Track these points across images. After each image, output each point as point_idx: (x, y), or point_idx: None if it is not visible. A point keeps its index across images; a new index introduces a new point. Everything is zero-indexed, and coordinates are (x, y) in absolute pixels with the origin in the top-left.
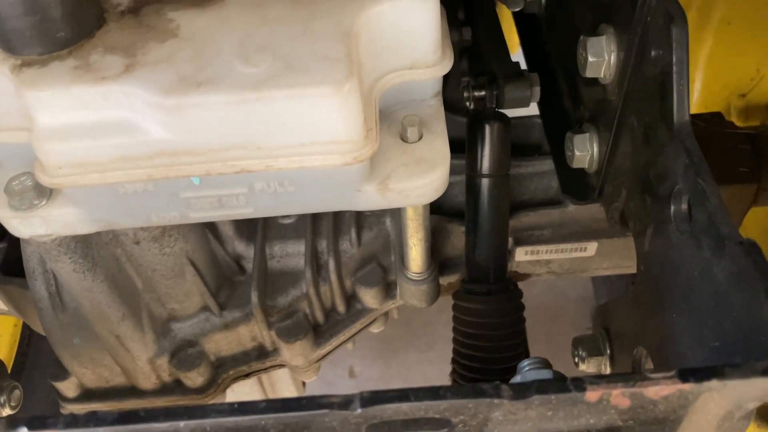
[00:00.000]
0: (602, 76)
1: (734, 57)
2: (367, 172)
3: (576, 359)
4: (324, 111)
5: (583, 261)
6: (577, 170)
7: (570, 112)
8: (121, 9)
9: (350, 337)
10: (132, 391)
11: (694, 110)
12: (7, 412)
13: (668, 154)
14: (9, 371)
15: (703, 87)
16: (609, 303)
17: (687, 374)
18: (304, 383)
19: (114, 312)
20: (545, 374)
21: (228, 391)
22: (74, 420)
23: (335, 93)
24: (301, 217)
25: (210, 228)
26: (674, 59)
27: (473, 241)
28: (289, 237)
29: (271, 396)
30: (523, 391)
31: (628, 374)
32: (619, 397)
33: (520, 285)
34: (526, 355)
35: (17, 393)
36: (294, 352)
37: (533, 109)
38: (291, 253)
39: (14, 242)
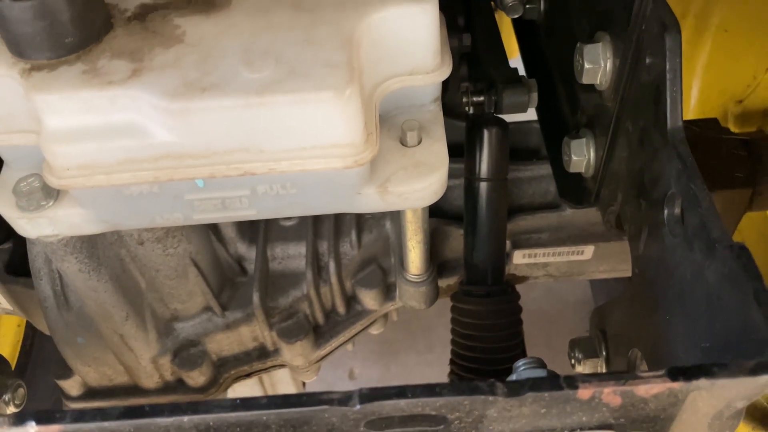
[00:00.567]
0: (598, 82)
1: (731, 63)
2: (367, 176)
3: (572, 361)
4: (325, 115)
5: (580, 264)
6: (574, 175)
7: (567, 118)
8: (128, 15)
9: (350, 338)
10: (135, 389)
11: (691, 116)
12: (11, 410)
13: (662, 159)
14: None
15: (701, 93)
16: (605, 305)
17: (676, 373)
18: (304, 384)
19: (118, 311)
20: (540, 373)
21: (229, 390)
22: (81, 415)
23: (336, 98)
24: (303, 219)
25: (213, 229)
26: (668, 66)
27: (472, 244)
28: (291, 239)
29: None
30: (516, 389)
31: (619, 373)
32: (611, 395)
33: (519, 288)
34: (523, 356)
35: (21, 391)
36: (294, 353)
37: (531, 115)
38: (292, 255)
39: (19, 242)
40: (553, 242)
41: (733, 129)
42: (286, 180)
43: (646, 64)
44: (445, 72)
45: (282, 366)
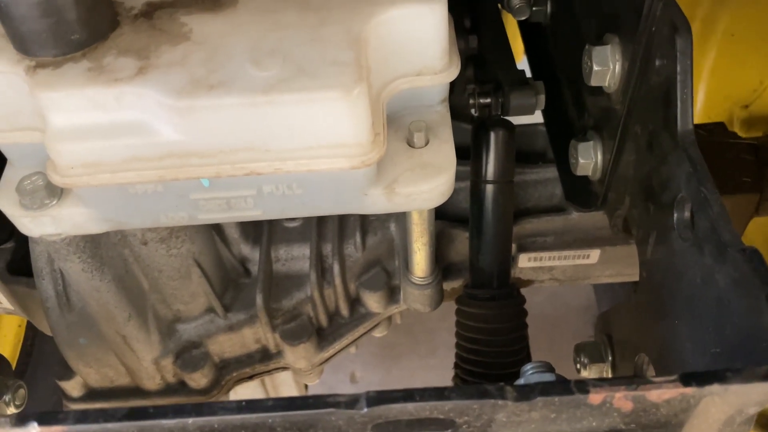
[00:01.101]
0: (607, 84)
1: (737, 68)
2: (374, 176)
3: (578, 366)
4: (333, 115)
5: (585, 268)
6: (580, 178)
7: (574, 120)
8: (135, 13)
9: (353, 341)
10: (136, 391)
11: (697, 120)
12: (12, 410)
13: (671, 162)
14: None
15: (707, 98)
16: (611, 310)
17: (689, 378)
18: (306, 386)
19: (120, 312)
20: (548, 377)
21: (231, 393)
22: (84, 416)
23: (344, 97)
24: (307, 221)
25: (216, 230)
26: (678, 68)
27: (477, 247)
28: (295, 240)
29: None
30: (526, 393)
31: (631, 377)
32: (622, 399)
33: (523, 292)
34: (528, 361)
35: (22, 392)
36: (297, 355)
37: (537, 117)
38: (296, 257)
39: (21, 242)
40: (558, 246)
41: (740, 134)
42: (292, 180)
43: (655, 66)
44: (453, 73)
45: (285, 368)
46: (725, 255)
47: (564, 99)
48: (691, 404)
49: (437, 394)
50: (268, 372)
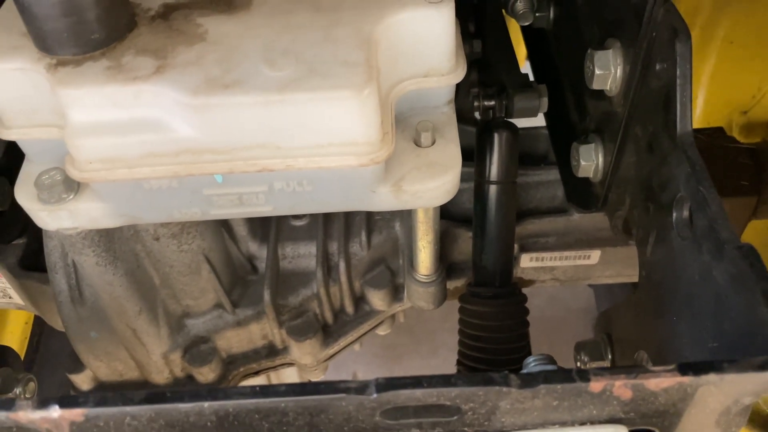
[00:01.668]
0: (608, 88)
1: (736, 75)
2: (382, 174)
3: (578, 364)
4: (343, 113)
5: (586, 269)
6: (582, 179)
7: (576, 123)
8: (152, 14)
9: (358, 338)
10: (145, 385)
11: (696, 125)
12: None
13: (671, 163)
14: None
15: (706, 103)
16: (611, 309)
17: (686, 368)
18: None
19: (132, 306)
20: (551, 368)
21: None
22: (103, 399)
23: (355, 96)
24: (313, 220)
25: (225, 228)
26: (678, 72)
27: (480, 246)
28: (301, 238)
29: None
30: (530, 381)
31: (630, 366)
32: (622, 388)
33: (525, 293)
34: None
35: (32, 385)
36: (303, 351)
37: (540, 121)
38: (302, 254)
39: (33, 238)
40: (560, 246)
41: (739, 139)
42: (303, 177)
43: (656, 70)
44: (460, 75)
45: (290, 364)
46: (723, 252)
47: (566, 102)
48: (688, 393)
49: (444, 380)
50: (274, 368)
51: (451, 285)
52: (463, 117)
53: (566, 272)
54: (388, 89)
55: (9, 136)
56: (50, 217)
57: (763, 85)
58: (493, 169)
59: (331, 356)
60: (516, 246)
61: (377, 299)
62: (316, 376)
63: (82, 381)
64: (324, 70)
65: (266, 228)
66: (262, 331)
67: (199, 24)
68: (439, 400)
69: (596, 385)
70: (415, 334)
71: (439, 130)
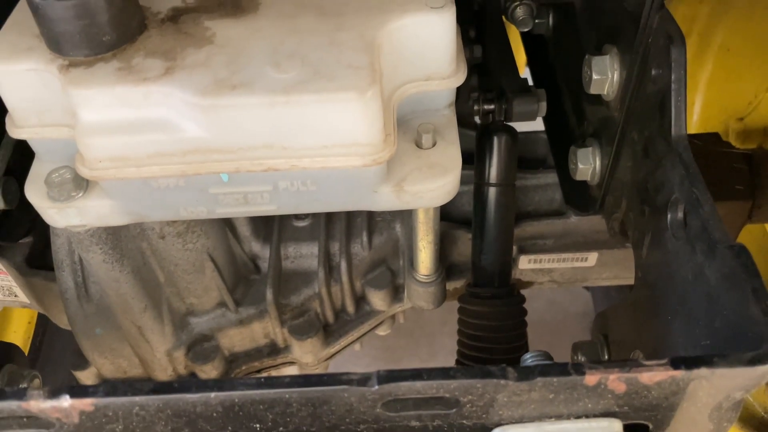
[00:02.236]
0: (605, 93)
1: (733, 82)
2: (384, 175)
3: None
4: (347, 115)
5: (583, 271)
6: (579, 183)
7: (574, 127)
8: (161, 17)
9: (358, 338)
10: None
11: (693, 131)
12: None
13: (666, 166)
14: None
15: (703, 110)
16: (608, 310)
17: (678, 362)
18: None
19: (137, 303)
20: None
21: None
22: (113, 389)
23: (358, 98)
24: (315, 220)
25: (229, 227)
26: (673, 77)
27: (479, 247)
28: (303, 239)
29: None
30: (527, 373)
31: (624, 361)
32: (616, 381)
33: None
34: None
35: (37, 382)
36: (305, 350)
37: (539, 125)
38: (305, 255)
39: (39, 237)
40: (558, 248)
41: (734, 145)
42: (307, 177)
43: (652, 75)
44: (460, 78)
45: (291, 363)
46: (715, 251)
47: (564, 107)
48: (680, 387)
49: (443, 373)
50: (276, 366)
51: (451, 286)
52: (463, 120)
53: (564, 274)
54: (390, 92)
55: (20, 135)
56: (59, 214)
57: (759, 92)
58: (493, 172)
59: (332, 355)
60: (515, 248)
61: (378, 299)
62: None
63: (87, 378)
64: (328, 72)
65: (269, 228)
66: (264, 329)
67: (207, 27)
68: (438, 392)
69: (591, 379)
70: (415, 337)
71: (440, 132)
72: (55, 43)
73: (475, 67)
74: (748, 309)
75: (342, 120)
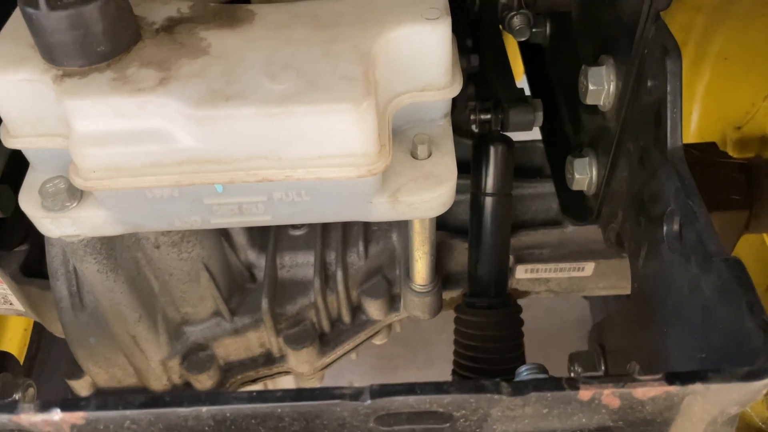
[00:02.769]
0: (602, 103)
1: (730, 91)
2: (379, 185)
3: (572, 375)
4: (342, 126)
5: (580, 281)
6: (576, 192)
7: (570, 137)
8: (156, 27)
9: (354, 347)
10: (143, 392)
11: (690, 140)
12: None
13: (661, 177)
14: None
15: (700, 118)
16: (604, 321)
17: (673, 377)
18: None
19: (132, 313)
20: (542, 377)
21: None
22: (104, 403)
23: (353, 110)
24: (312, 229)
25: (225, 236)
26: (668, 89)
27: (476, 257)
28: (300, 248)
29: None
30: (520, 388)
31: (619, 376)
32: (610, 396)
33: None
34: None
35: (32, 391)
36: (300, 359)
37: (535, 134)
38: (300, 264)
39: (34, 245)
40: (554, 258)
41: (732, 154)
42: (302, 187)
43: (647, 86)
44: (456, 89)
45: (287, 372)
46: (710, 264)
47: (561, 116)
48: (675, 402)
49: (437, 387)
50: (271, 376)
51: (447, 295)
52: (459, 130)
53: (561, 284)
54: (385, 103)
55: (15, 144)
56: (53, 224)
57: (757, 100)
58: (489, 182)
59: (328, 365)
60: (511, 257)
61: (374, 308)
62: (313, 385)
63: (81, 387)
64: (323, 83)
65: (265, 237)
66: (259, 339)
67: (203, 38)
68: (431, 406)
69: (585, 394)
70: (411, 346)
71: (435, 142)
72: (50, 53)
73: (471, 77)
74: (744, 323)
75: (337, 131)
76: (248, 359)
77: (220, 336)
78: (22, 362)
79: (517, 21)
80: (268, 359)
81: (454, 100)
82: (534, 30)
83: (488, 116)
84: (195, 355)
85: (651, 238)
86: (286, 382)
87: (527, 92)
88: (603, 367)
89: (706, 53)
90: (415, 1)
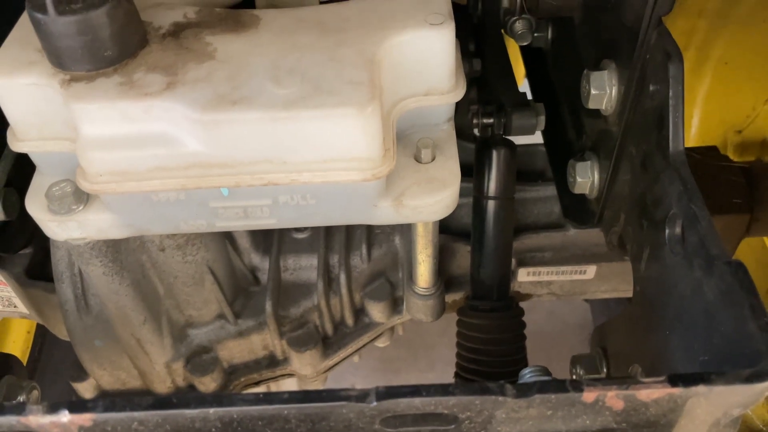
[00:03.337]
0: (604, 107)
1: (731, 95)
2: (383, 189)
3: (574, 377)
4: (347, 130)
5: (582, 284)
6: (578, 196)
7: (573, 141)
8: (163, 32)
9: (357, 350)
10: (147, 394)
11: (692, 144)
12: None
13: (664, 181)
14: None
15: (701, 122)
16: (606, 323)
17: (676, 379)
18: None
19: (137, 315)
20: (545, 379)
21: None
22: (112, 404)
23: (358, 114)
24: (315, 232)
25: (229, 240)
26: (671, 93)
27: (478, 260)
28: (303, 251)
29: None
30: (525, 390)
31: (622, 378)
32: (614, 398)
33: (523, 307)
34: None
35: (36, 393)
36: (304, 362)
37: (538, 138)
38: (304, 267)
39: (39, 248)
40: (556, 261)
41: (733, 158)
42: (307, 191)
43: (649, 91)
44: (459, 93)
45: (290, 375)
46: (713, 268)
47: (563, 120)
48: (678, 404)
49: (442, 390)
50: (275, 378)
51: (450, 298)
52: (462, 133)
53: (563, 287)
54: (390, 107)
55: (21, 148)
56: (60, 227)
57: (758, 105)
58: (492, 185)
59: (331, 367)
60: (514, 260)
61: (377, 311)
62: (316, 387)
63: (86, 389)
64: (328, 88)
65: (269, 240)
66: (263, 341)
67: (209, 42)
68: (437, 408)
69: (589, 396)
70: (414, 349)
71: (439, 146)
72: (57, 57)
73: (474, 81)
74: (746, 325)
75: (342, 135)
76: (252, 362)
77: (224, 339)
78: (25, 365)
79: (519, 25)
80: (271, 362)
81: (457, 104)
82: (536, 34)
83: (491, 120)
84: (199, 358)
85: (653, 242)
86: (289, 385)
87: (529, 96)
88: (605, 370)
89: (708, 58)
90: (419, 7)
